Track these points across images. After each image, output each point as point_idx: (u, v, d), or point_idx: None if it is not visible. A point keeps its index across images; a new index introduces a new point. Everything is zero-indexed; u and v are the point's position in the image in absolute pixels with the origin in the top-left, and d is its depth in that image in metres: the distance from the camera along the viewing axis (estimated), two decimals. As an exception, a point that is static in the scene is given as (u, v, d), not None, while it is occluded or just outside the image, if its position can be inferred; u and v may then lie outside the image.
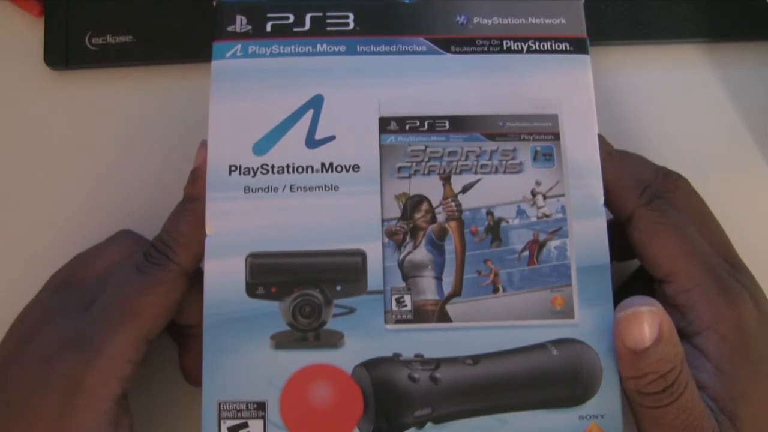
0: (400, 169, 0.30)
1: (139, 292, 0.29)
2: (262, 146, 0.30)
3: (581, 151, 0.30)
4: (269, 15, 0.31)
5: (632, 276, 0.35)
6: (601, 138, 0.31)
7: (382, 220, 0.29)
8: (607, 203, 0.30)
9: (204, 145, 0.30)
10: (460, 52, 0.31)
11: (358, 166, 0.30)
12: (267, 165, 0.30)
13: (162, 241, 0.31)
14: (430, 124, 0.30)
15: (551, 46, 0.31)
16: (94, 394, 0.28)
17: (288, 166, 0.30)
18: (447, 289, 0.29)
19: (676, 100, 0.40)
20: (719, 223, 0.32)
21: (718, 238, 0.31)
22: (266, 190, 0.29)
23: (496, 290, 0.29)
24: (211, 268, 0.29)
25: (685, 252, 0.29)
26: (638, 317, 0.27)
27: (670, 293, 0.29)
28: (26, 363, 0.29)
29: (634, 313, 0.27)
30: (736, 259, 0.31)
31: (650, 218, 0.30)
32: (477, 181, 0.30)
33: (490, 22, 0.31)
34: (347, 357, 0.28)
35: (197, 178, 0.31)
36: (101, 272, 0.32)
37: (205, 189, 0.29)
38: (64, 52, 0.39)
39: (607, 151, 0.31)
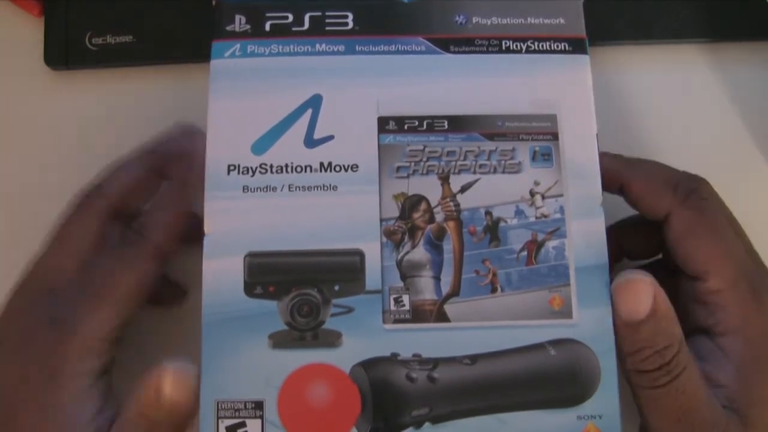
0: (398, 168, 0.30)
1: (111, 271, 0.30)
2: (260, 145, 0.30)
3: (580, 152, 0.30)
4: (268, 14, 0.31)
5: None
6: (609, 154, 0.31)
7: (381, 220, 0.29)
8: (638, 206, 0.31)
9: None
10: (459, 52, 0.31)
11: (357, 166, 0.30)
12: (266, 164, 0.30)
13: (138, 221, 0.32)
14: (429, 124, 0.30)
15: (550, 46, 0.31)
16: (72, 370, 0.29)
17: (286, 166, 0.30)
18: (445, 288, 0.29)
19: (677, 100, 0.40)
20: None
21: (744, 241, 0.31)
22: (265, 189, 0.29)
23: (494, 290, 0.29)
24: (209, 267, 0.29)
25: (723, 253, 0.29)
26: (632, 285, 0.27)
27: (700, 291, 0.30)
28: (7, 347, 0.30)
29: (627, 281, 0.27)
30: (762, 264, 0.31)
31: (690, 216, 0.30)
32: (475, 180, 0.30)
33: (489, 22, 0.31)
34: (345, 356, 0.28)
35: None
36: None
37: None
38: (64, 52, 0.39)
39: (623, 161, 0.32)
